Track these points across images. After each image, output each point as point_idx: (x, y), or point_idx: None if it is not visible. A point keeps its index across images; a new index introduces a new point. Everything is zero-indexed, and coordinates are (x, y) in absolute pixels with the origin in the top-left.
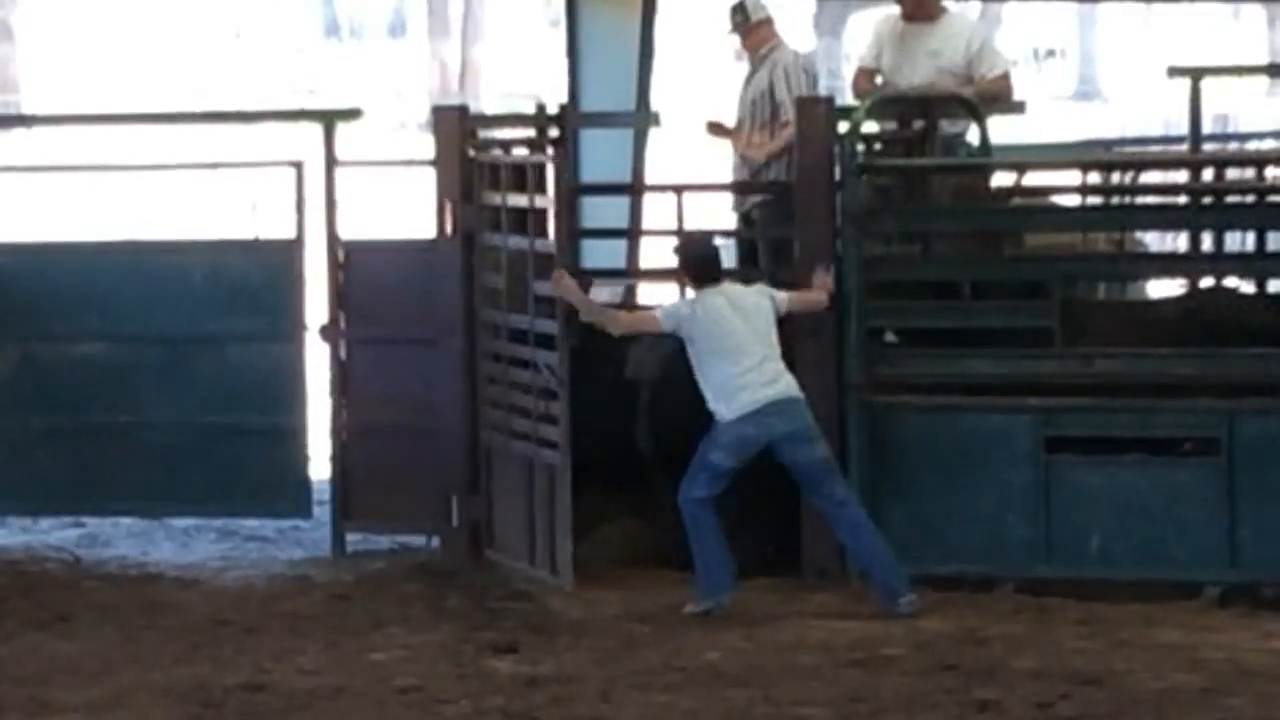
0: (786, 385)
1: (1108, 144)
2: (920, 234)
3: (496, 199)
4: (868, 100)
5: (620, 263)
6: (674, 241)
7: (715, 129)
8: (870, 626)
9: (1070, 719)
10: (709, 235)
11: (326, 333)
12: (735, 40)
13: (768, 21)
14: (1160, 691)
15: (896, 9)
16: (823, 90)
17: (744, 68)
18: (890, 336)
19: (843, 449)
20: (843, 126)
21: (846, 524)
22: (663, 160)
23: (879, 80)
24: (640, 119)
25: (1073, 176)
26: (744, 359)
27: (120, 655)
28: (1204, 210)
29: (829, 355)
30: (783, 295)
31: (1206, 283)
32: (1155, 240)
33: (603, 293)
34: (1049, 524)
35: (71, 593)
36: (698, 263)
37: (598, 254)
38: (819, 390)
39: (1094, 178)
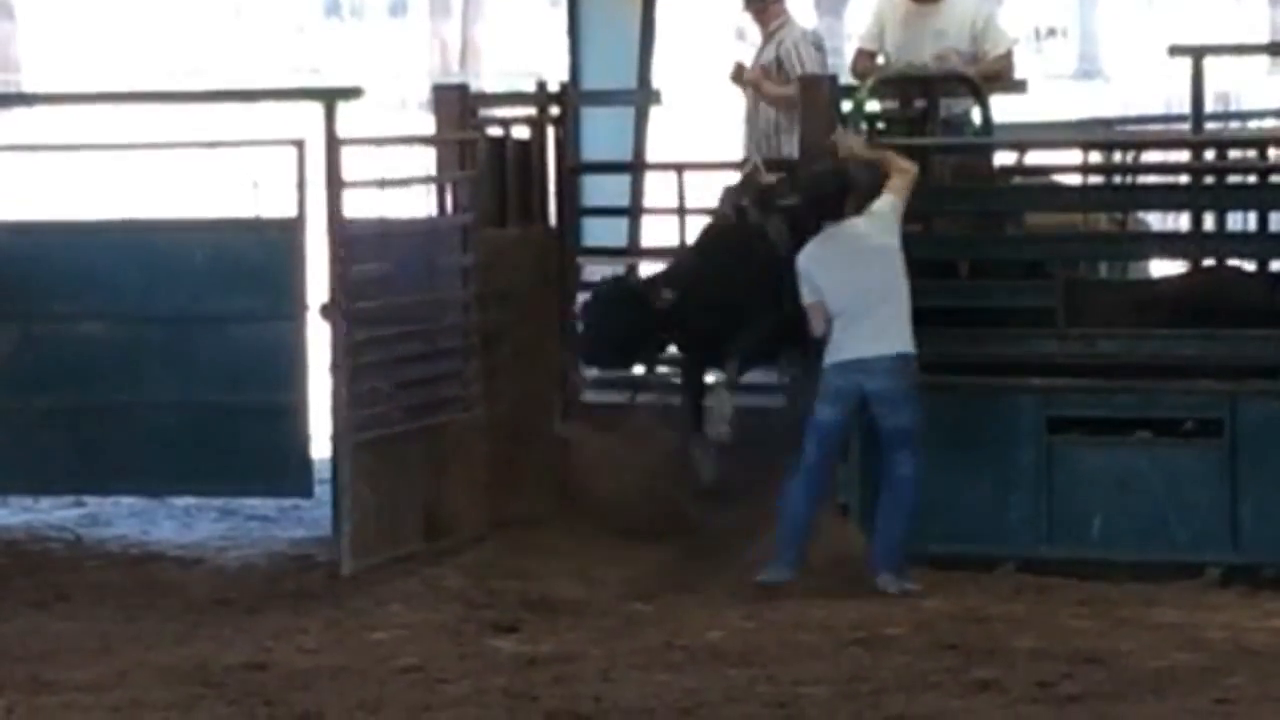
0: (887, 343)
1: (1109, 123)
2: (921, 213)
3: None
4: (870, 79)
5: (622, 241)
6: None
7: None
8: (871, 606)
9: (1071, 698)
10: (835, 170)
11: (328, 311)
12: (745, 17)
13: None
14: (1161, 671)
15: None
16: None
17: (746, 47)
18: None
19: None
20: (846, 105)
21: (891, 499)
22: (664, 138)
23: (880, 60)
24: (641, 97)
25: (1074, 156)
26: (851, 307)
27: (121, 634)
28: (1206, 190)
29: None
30: (893, 201)
31: (1208, 263)
32: (1157, 220)
33: (603, 271)
34: (1050, 504)
35: (72, 572)
36: (814, 200)
37: (599, 232)
38: (819, 370)
39: (1095, 157)
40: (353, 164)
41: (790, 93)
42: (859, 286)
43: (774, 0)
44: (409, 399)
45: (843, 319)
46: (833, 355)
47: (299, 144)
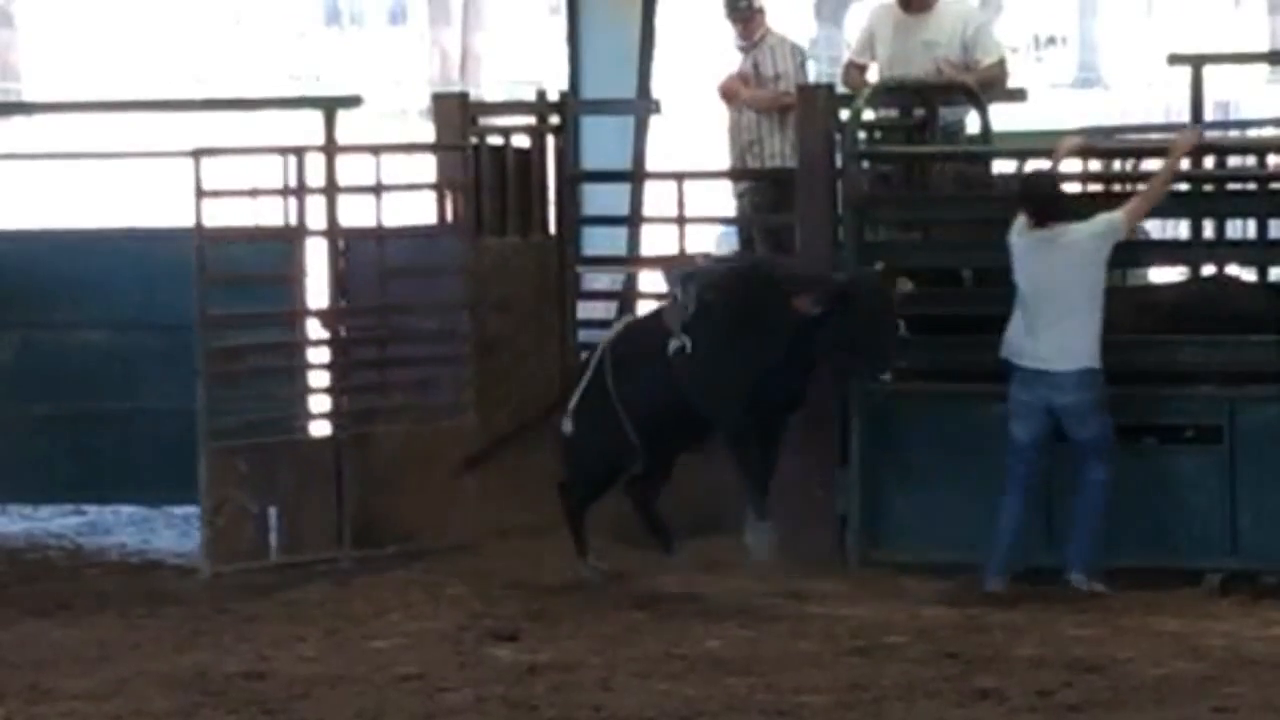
0: (1073, 358)
1: (1109, 131)
2: (920, 221)
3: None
4: (868, 89)
5: (621, 250)
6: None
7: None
8: (871, 614)
9: (1071, 707)
10: (1053, 175)
11: (327, 320)
12: (731, 26)
13: (763, 11)
14: (1161, 679)
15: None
16: (823, 78)
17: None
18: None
19: (845, 437)
20: (844, 114)
21: (1083, 501)
22: (664, 147)
23: (873, 69)
24: (641, 106)
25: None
26: (1037, 315)
27: (121, 643)
28: (1205, 197)
29: None
30: (1119, 217)
31: (1208, 270)
32: (1156, 228)
33: (602, 280)
34: (1050, 511)
35: (72, 581)
36: (1028, 200)
37: (599, 241)
38: (821, 378)
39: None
40: (352, 171)
41: (766, 95)
42: (1052, 295)
43: (759, 11)
44: (331, 405)
45: (1027, 320)
46: (1013, 354)
47: (298, 152)
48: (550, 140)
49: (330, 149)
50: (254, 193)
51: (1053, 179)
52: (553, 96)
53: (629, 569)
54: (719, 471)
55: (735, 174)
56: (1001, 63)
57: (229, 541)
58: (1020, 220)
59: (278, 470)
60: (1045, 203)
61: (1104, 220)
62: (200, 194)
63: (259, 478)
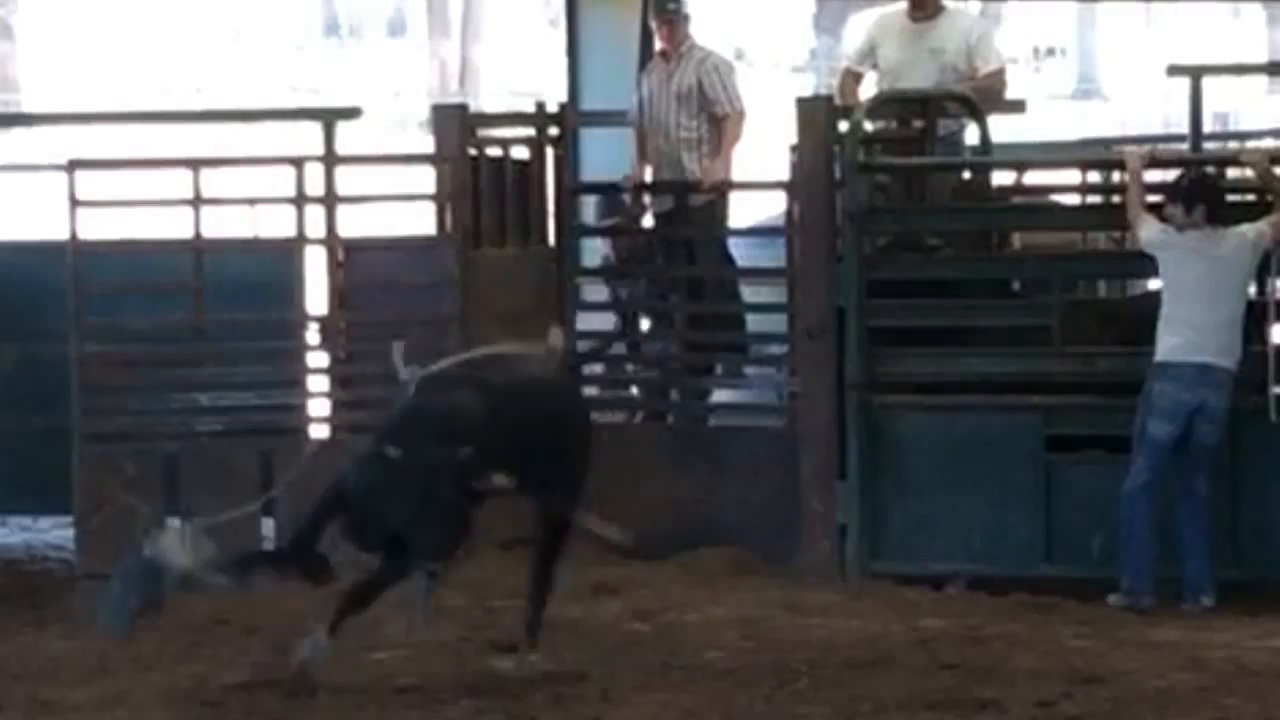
0: (1233, 359)
1: (1108, 143)
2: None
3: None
4: (867, 101)
5: None
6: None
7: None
8: (870, 626)
9: (1071, 718)
10: (1215, 176)
11: (326, 331)
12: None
13: (689, 19)
14: (1161, 690)
15: (891, 8)
16: (821, 89)
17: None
18: None
19: (842, 449)
20: (843, 126)
21: (1195, 524)
22: None
23: (870, 77)
24: None
25: (1073, 175)
26: (1195, 308)
27: (119, 655)
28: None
29: (828, 354)
30: (1264, 228)
31: None
32: None
33: (601, 291)
34: (1049, 523)
35: (70, 592)
36: (1203, 198)
37: (597, 253)
38: (818, 390)
39: (1094, 177)
40: (351, 183)
41: (728, 152)
42: (1217, 296)
43: (686, 16)
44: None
45: (1186, 322)
46: (1161, 353)
47: (297, 163)
48: (549, 151)
49: (329, 160)
50: (254, 202)
51: (1219, 180)
52: (552, 108)
53: (629, 581)
54: (706, 484)
55: (743, 185)
56: (1001, 71)
57: (110, 541)
58: (1157, 221)
59: (182, 475)
60: (1219, 202)
61: (1254, 229)
62: (74, 204)
63: (151, 482)
